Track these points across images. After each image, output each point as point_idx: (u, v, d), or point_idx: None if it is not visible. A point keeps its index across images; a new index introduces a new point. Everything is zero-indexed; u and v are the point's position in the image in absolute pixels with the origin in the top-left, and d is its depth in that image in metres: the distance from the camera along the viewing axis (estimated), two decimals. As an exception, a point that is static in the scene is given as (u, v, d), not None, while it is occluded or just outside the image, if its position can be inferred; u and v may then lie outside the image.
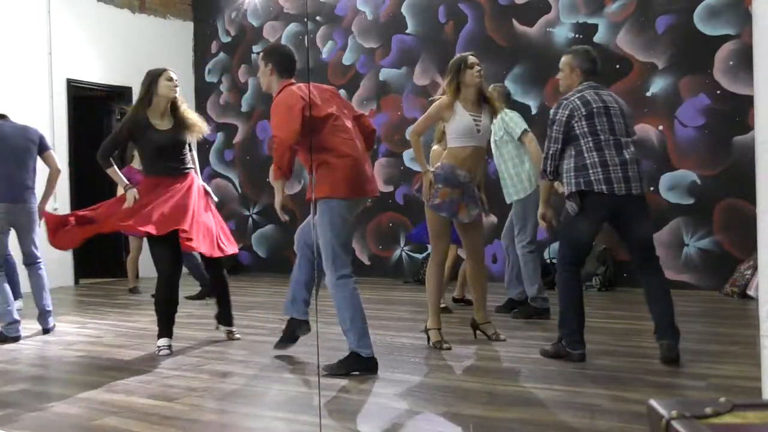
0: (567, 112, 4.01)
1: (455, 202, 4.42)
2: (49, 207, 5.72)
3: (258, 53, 9.33)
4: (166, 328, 4.57)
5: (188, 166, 4.75)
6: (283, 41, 9.13)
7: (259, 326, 5.44)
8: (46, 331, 5.32)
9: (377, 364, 3.83)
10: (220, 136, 9.74)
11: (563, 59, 4.27)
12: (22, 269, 5.49)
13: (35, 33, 8.16)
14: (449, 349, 4.38)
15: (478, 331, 4.71)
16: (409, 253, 8.27)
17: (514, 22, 7.59)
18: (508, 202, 5.59)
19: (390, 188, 8.38)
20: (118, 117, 9.07)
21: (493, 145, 5.51)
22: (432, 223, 4.53)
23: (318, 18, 8.93)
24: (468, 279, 4.85)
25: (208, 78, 9.98)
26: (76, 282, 8.51)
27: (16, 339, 5.06)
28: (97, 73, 8.79)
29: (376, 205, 8.47)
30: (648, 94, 6.95)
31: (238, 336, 4.95)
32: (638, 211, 3.99)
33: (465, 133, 4.41)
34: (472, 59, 4.47)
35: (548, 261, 6.98)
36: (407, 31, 8.31)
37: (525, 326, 5.15)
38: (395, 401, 3.33)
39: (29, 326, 5.60)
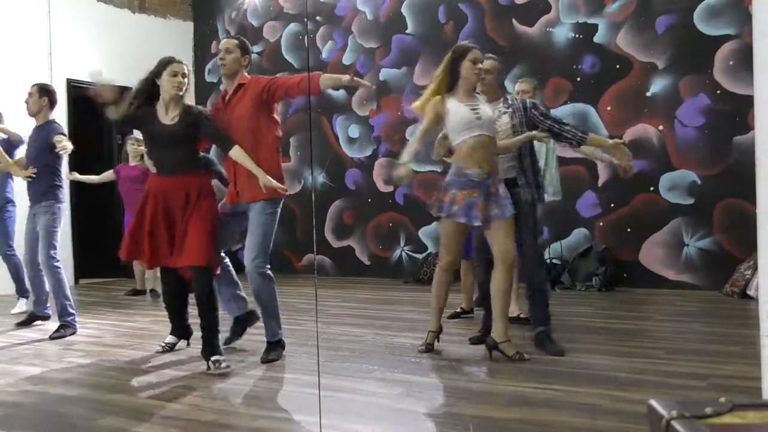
0: None
1: (475, 204, 3.97)
2: None
3: (258, 53, 9.37)
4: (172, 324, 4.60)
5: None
6: (282, 41, 9.14)
7: (258, 326, 5.43)
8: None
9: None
10: (220, 136, 9.72)
11: (492, 63, 4.42)
12: None
13: (35, 33, 8.16)
14: (423, 351, 4.29)
15: (495, 351, 4.06)
16: (409, 253, 8.27)
17: (514, 22, 7.59)
18: (547, 200, 5.00)
19: (390, 188, 8.37)
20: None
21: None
22: (443, 231, 4.18)
23: (318, 18, 8.93)
24: (491, 288, 4.14)
25: (208, 78, 9.98)
26: (76, 282, 8.50)
27: None
28: (97, 73, 8.80)
29: (376, 206, 8.48)
30: (648, 94, 6.94)
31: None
32: None
33: (464, 126, 4.03)
34: (476, 53, 4.14)
35: (548, 260, 6.98)
36: (407, 31, 8.31)
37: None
38: (395, 401, 3.33)
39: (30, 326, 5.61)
